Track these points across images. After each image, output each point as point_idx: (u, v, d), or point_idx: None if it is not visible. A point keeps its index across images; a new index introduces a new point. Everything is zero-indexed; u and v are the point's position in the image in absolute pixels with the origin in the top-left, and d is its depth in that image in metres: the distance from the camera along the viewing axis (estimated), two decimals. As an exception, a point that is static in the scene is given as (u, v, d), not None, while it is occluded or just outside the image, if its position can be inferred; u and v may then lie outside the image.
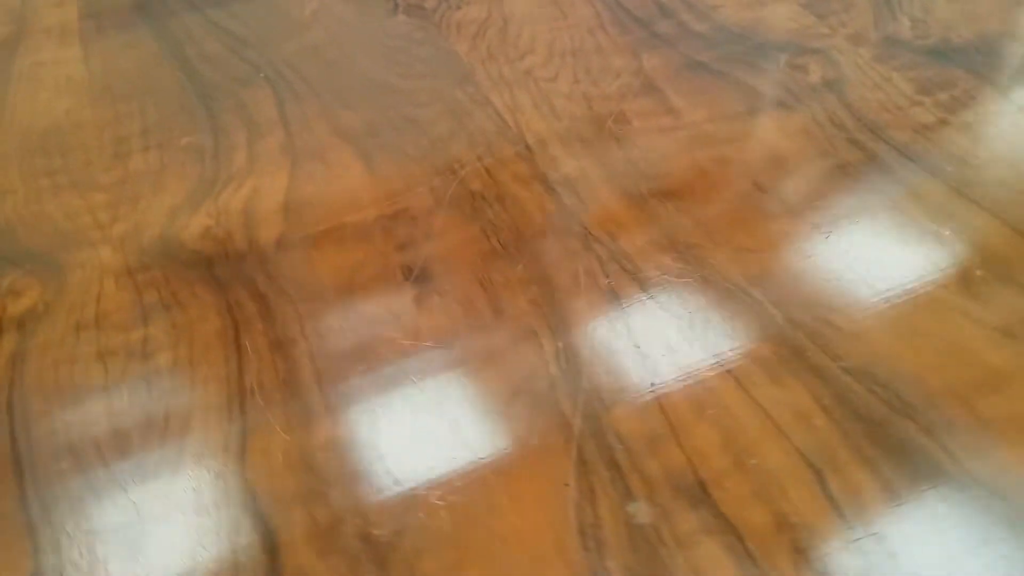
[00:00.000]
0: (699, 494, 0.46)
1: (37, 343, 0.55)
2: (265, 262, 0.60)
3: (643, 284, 0.56)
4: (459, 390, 0.51)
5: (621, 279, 0.57)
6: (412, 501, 0.46)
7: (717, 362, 0.52)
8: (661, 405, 0.50)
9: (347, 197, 0.64)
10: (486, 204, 0.63)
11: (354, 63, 0.79)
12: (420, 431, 0.49)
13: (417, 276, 0.58)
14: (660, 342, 0.53)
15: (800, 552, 0.43)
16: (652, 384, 0.51)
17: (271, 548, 0.44)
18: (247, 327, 0.55)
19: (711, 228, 0.60)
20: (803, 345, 0.52)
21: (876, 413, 0.49)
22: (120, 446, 0.49)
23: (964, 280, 0.56)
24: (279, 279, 0.58)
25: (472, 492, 0.46)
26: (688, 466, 0.47)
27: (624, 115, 0.70)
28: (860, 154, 0.65)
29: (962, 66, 0.73)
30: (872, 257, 0.57)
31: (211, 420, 0.50)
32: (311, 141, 0.70)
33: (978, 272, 0.56)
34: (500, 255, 0.59)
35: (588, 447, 0.48)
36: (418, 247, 0.60)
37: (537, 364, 0.52)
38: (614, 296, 0.56)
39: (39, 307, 0.58)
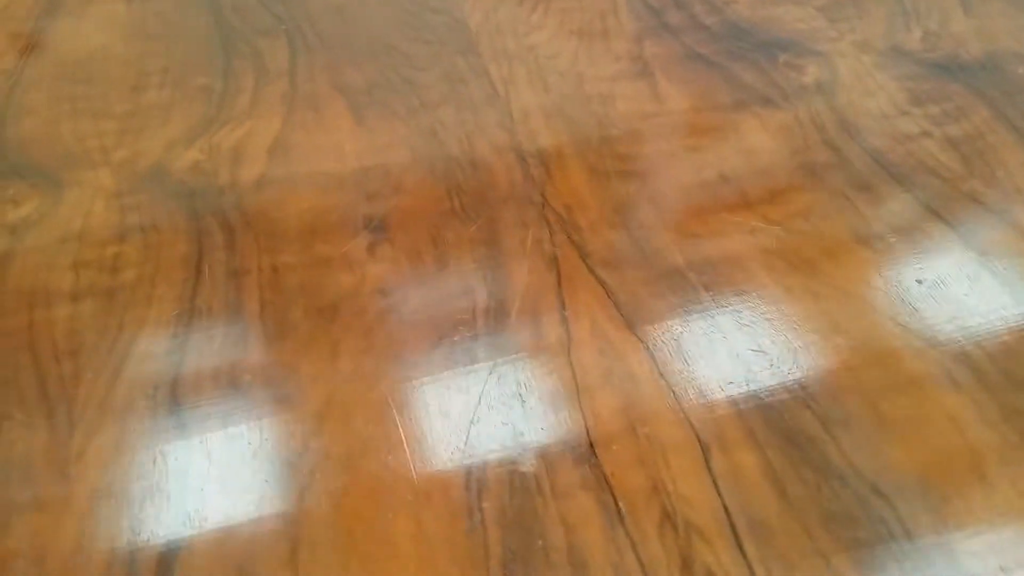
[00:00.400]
0: (586, 453, 0.48)
1: (23, 247, 0.60)
2: (241, 198, 0.64)
3: (585, 256, 0.58)
4: (387, 335, 0.54)
5: (566, 249, 0.59)
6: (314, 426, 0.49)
7: (635, 334, 0.53)
8: (572, 365, 0.52)
9: (331, 147, 0.68)
10: (458, 167, 0.66)
11: (370, 23, 0.82)
12: (340, 372, 0.52)
13: (375, 226, 0.61)
14: (586, 310, 0.55)
15: (668, 518, 0.45)
16: (568, 350, 0.53)
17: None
18: (210, 254, 0.59)
19: (665, 211, 0.62)
20: (722, 329, 0.54)
21: (777, 400, 0.50)
22: (71, 350, 0.54)
23: (901, 286, 0.56)
24: (249, 215, 0.62)
25: (375, 424, 0.49)
26: (582, 426, 0.49)
27: (612, 97, 0.72)
28: (831, 155, 0.66)
29: (963, 82, 0.72)
30: (812, 257, 0.58)
31: (159, 334, 0.54)
32: (311, 92, 0.74)
33: (918, 281, 0.56)
34: (458, 215, 0.62)
35: (495, 394, 0.50)
36: (384, 200, 0.63)
37: (466, 318, 0.55)
38: (554, 264, 0.58)
39: (33, 216, 0.63)
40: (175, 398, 0.51)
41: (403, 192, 0.64)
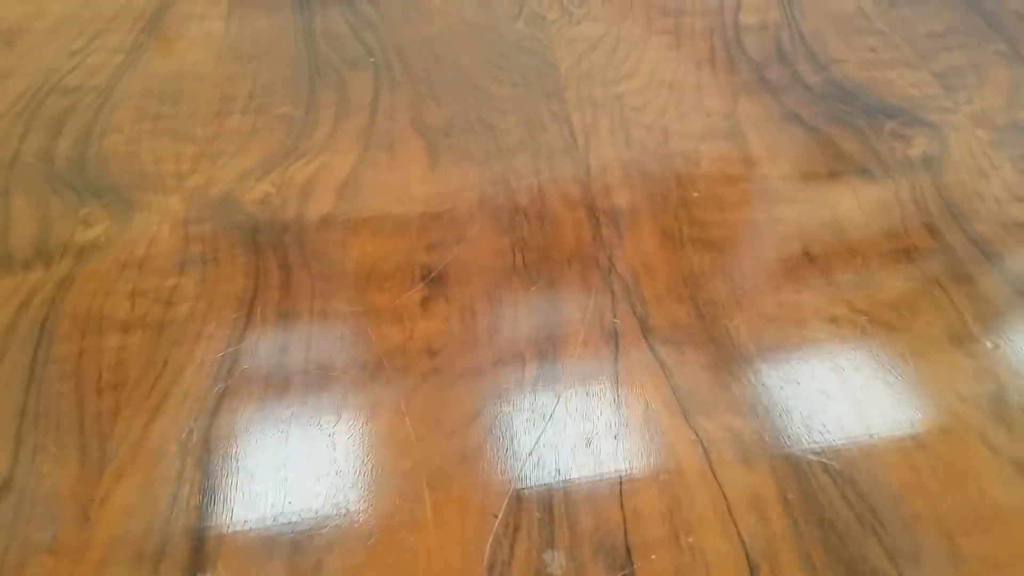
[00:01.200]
0: (622, 558, 0.44)
1: (85, 271, 0.61)
2: (303, 237, 0.63)
3: (647, 331, 0.55)
4: (428, 398, 0.52)
5: (627, 320, 0.55)
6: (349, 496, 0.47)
7: (691, 426, 0.49)
8: (618, 454, 0.48)
9: (400, 189, 0.66)
10: (525, 220, 0.63)
11: (458, 60, 0.80)
12: (375, 434, 0.50)
13: (433, 278, 0.59)
14: (640, 391, 0.51)
15: (701, 643, 0.41)
16: (616, 435, 0.49)
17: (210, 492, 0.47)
18: (264, 292, 0.58)
19: (739, 287, 0.57)
20: (788, 431, 0.49)
21: (840, 522, 0.45)
22: (114, 384, 0.53)
23: (995, 401, 0.50)
24: (308, 254, 0.61)
25: (402, 498, 0.47)
26: (620, 527, 0.45)
27: (697, 156, 0.68)
28: (932, 241, 0.60)
29: (1092, 167, 0.66)
30: (900, 356, 0.53)
31: (202, 374, 0.53)
32: (389, 130, 0.72)
33: (1014, 397, 0.50)
34: (519, 273, 0.59)
35: (530, 483, 0.47)
36: (446, 249, 0.61)
37: (512, 387, 0.52)
38: (613, 337, 0.54)
39: (101, 239, 0.63)
40: (207, 444, 0.50)
41: (465, 243, 0.61)
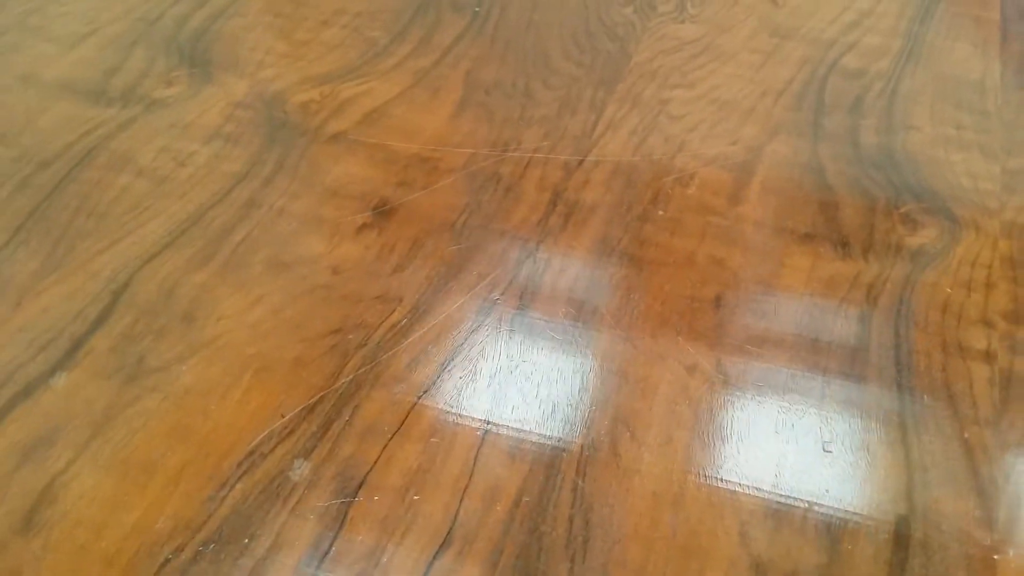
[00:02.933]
0: (351, 490, 0.49)
1: (143, 121, 0.74)
2: (311, 145, 0.71)
3: (519, 316, 0.58)
4: (304, 307, 0.59)
5: (509, 303, 0.59)
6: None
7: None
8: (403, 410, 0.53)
9: (413, 129, 0.72)
10: (494, 187, 0.67)
11: (548, 29, 0.83)
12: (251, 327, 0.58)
13: (381, 212, 0.65)
14: (471, 371, 0.55)
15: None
16: (419, 397, 0.54)
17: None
18: (248, 182, 0.68)
19: (622, 310, 0.58)
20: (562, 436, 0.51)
21: (548, 538, 0.47)
22: (103, 212, 0.66)
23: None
24: (303, 160, 0.70)
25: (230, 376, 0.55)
26: (370, 465, 0.50)
27: (692, 178, 0.68)
28: (855, 336, 0.56)
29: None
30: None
31: (154, 233, 0.64)
32: (443, 76, 0.78)
33: (805, 502, 0.48)
34: (454, 231, 0.64)
35: (330, 400, 0.53)
36: (408, 190, 0.67)
37: (375, 324, 0.58)
38: (491, 310, 0.58)
39: (170, 99, 0.76)
40: (129, 284, 0.60)
41: (429, 191, 0.67)
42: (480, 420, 0.52)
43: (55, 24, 0.85)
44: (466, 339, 0.57)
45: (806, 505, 0.48)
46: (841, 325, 0.57)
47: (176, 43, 0.82)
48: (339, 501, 0.49)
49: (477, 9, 0.86)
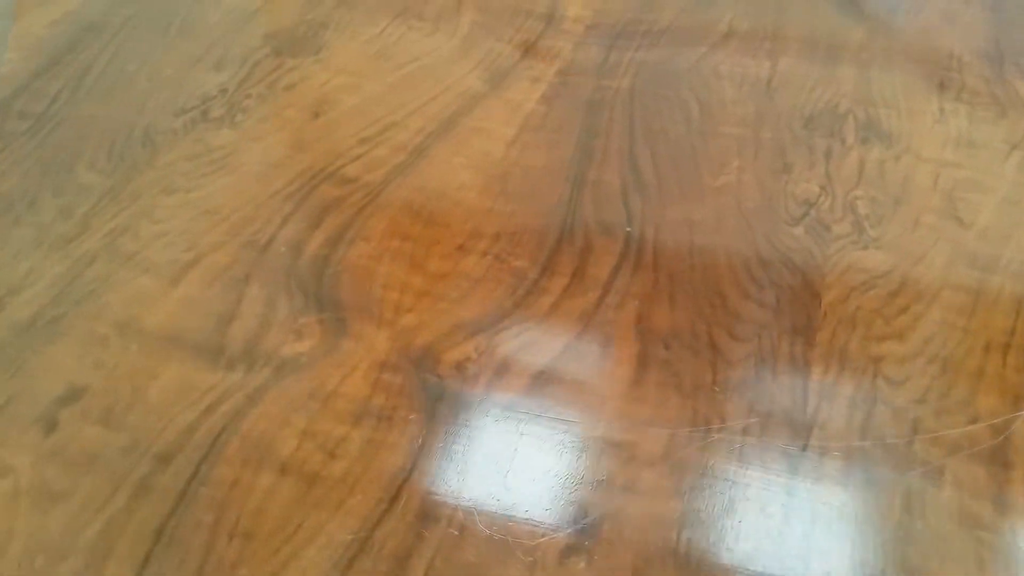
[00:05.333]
0: None
1: (276, 390, 0.63)
2: (478, 421, 0.61)
3: None
4: None
5: None
6: None
7: None
8: None
9: (590, 402, 0.62)
10: (709, 489, 0.56)
11: (713, 257, 0.74)
12: None
13: (582, 529, 0.54)
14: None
15: None
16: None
17: None
18: (415, 481, 0.57)
19: None
20: None
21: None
22: (246, 532, 0.54)
23: None
24: (477, 446, 0.59)
25: None
26: None
27: (939, 475, 0.57)
28: None
29: None
30: None
31: (324, 556, 0.53)
32: (611, 322, 0.68)
33: None
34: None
35: None
36: (600, 494, 0.56)
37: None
38: None
39: (303, 359, 0.65)
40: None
41: (620, 489, 0.56)
42: None
43: (151, 249, 0.75)
44: None
45: None
46: None
47: (296, 277, 0.72)
48: None
49: (628, 229, 0.77)
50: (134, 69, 0.98)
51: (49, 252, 0.74)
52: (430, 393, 0.63)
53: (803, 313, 0.69)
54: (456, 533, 0.54)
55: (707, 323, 0.68)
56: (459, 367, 0.65)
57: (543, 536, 0.54)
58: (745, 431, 0.60)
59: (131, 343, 0.66)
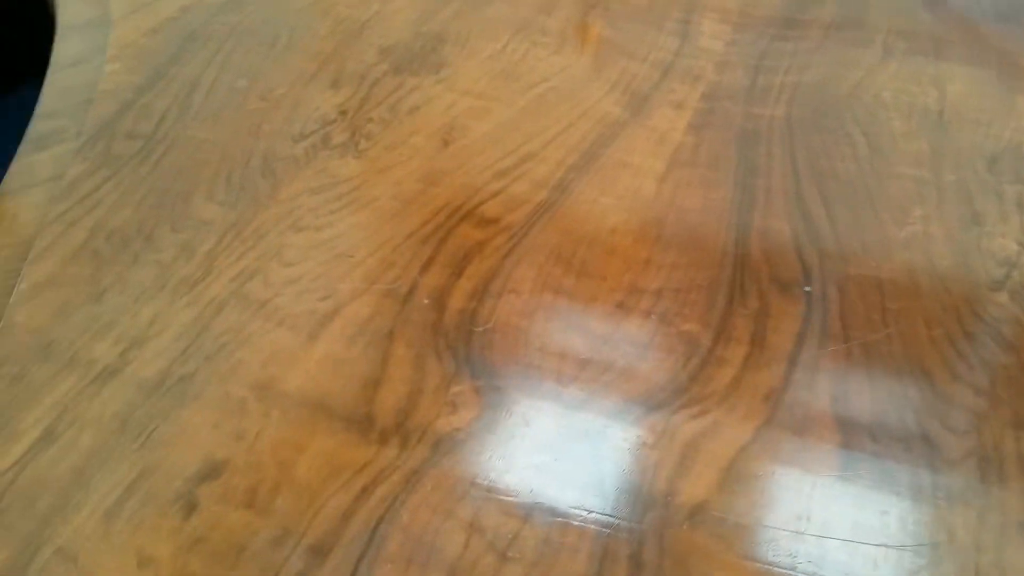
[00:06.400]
0: None
1: (436, 471, 0.56)
2: (664, 529, 0.53)
3: None
4: None
5: None
6: None
7: None
8: None
9: (790, 511, 0.54)
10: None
11: (911, 325, 0.65)
12: None
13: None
14: None
15: None
16: None
17: None
18: (604, 599, 0.50)
19: None
20: None
21: None
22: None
23: None
24: (666, 560, 0.52)
25: None
26: None
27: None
28: None
29: None
30: None
31: None
32: (804, 404, 0.60)
33: None
34: None
35: None
36: None
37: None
38: None
39: (461, 434, 0.58)
40: None
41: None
42: None
43: (284, 296, 0.68)
44: None
45: None
46: None
47: (443, 335, 0.65)
48: None
49: (808, 289, 0.69)
50: (244, 86, 0.92)
51: (174, 297, 0.68)
52: (607, 483, 0.56)
53: (1022, 400, 0.61)
54: (659, 667, 0.47)
55: (916, 412, 0.60)
56: (634, 452, 0.57)
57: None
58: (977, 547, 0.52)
59: (272, 409, 0.60)
